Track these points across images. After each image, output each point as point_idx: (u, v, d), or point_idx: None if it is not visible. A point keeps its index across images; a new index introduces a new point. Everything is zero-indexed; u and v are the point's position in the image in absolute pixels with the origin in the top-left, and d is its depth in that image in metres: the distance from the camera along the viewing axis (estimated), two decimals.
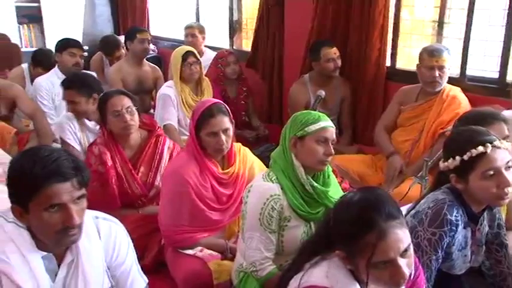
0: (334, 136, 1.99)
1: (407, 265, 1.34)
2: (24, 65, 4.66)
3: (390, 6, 3.40)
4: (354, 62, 3.62)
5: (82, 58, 4.12)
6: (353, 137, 3.80)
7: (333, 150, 1.97)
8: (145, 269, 1.79)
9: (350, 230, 1.35)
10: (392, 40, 3.54)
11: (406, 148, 3.13)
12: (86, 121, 3.20)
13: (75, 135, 3.17)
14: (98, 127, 3.20)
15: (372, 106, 3.61)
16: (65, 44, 4.09)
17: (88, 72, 3.90)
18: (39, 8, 5.70)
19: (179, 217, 2.32)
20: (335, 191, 2.06)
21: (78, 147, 3.12)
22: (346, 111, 3.76)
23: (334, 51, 3.52)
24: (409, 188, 2.46)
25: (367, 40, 3.45)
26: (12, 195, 1.47)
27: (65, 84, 3.19)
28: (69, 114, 3.26)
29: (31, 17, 5.76)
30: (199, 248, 2.36)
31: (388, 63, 3.55)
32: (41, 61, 4.39)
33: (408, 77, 3.32)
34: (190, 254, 2.33)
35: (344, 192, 2.17)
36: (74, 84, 3.14)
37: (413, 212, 1.84)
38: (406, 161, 3.10)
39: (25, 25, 5.76)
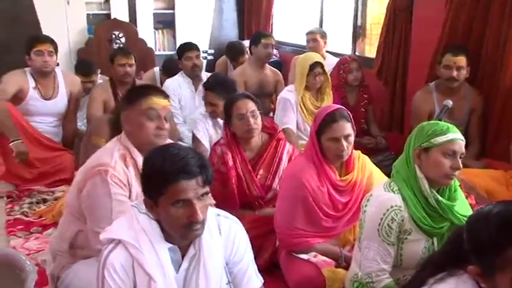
0: (464, 149, 1.88)
1: None
2: (156, 69, 5.03)
3: None
4: (488, 70, 3.37)
5: (198, 58, 4.28)
6: (481, 150, 3.55)
7: (461, 164, 1.86)
8: (259, 269, 1.82)
9: (490, 244, 1.26)
10: None
11: None
12: (219, 120, 3.35)
13: (207, 131, 3.35)
14: None
15: (505, 118, 3.32)
16: (180, 51, 4.32)
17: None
18: (173, 14, 6.09)
19: (295, 220, 2.33)
20: (462, 207, 1.94)
21: (206, 144, 3.28)
22: (475, 123, 3.51)
23: (455, 60, 3.28)
24: None
25: (505, 46, 3.19)
26: (144, 189, 1.58)
27: (206, 86, 3.38)
28: (204, 111, 3.44)
29: (166, 22, 6.18)
30: (313, 253, 2.36)
31: None
32: (168, 68, 4.69)
33: None
34: (304, 258, 2.34)
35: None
36: (214, 87, 3.30)
37: None
38: None
39: (160, 30, 6.18)
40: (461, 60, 3.29)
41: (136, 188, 2.02)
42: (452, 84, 3.34)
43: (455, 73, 3.29)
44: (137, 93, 2.10)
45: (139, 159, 2.03)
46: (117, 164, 2.00)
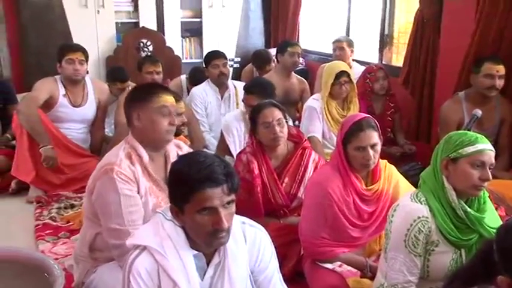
0: (493, 160, 1.85)
1: None
2: (183, 77, 5.06)
3: None
4: None
5: (225, 66, 4.30)
6: (511, 161, 3.47)
7: (490, 175, 1.83)
8: (283, 278, 1.81)
9: None
10: None
11: None
12: None
13: (239, 137, 3.39)
14: None
15: None
16: (208, 59, 4.35)
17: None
18: (200, 23, 6.14)
19: (319, 229, 2.32)
20: (491, 219, 1.90)
21: (235, 149, 3.31)
22: (505, 134, 3.44)
23: (497, 69, 3.24)
24: None
25: None
26: (170, 196, 1.59)
27: (246, 89, 3.42)
28: (238, 115, 3.50)
29: (193, 31, 6.22)
30: (338, 263, 2.35)
31: None
32: (194, 76, 4.73)
33: None
34: (329, 268, 2.33)
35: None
36: (255, 90, 3.32)
37: None
38: None
39: (187, 38, 6.24)
40: (502, 68, 3.26)
41: (145, 183, 2.08)
42: (491, 93, 3.28)
43: (497, 82, 3.24)
44: (147, 91, 2.17)
45: (145, 156, 2.11)
46: (123, 161, 2.06)
